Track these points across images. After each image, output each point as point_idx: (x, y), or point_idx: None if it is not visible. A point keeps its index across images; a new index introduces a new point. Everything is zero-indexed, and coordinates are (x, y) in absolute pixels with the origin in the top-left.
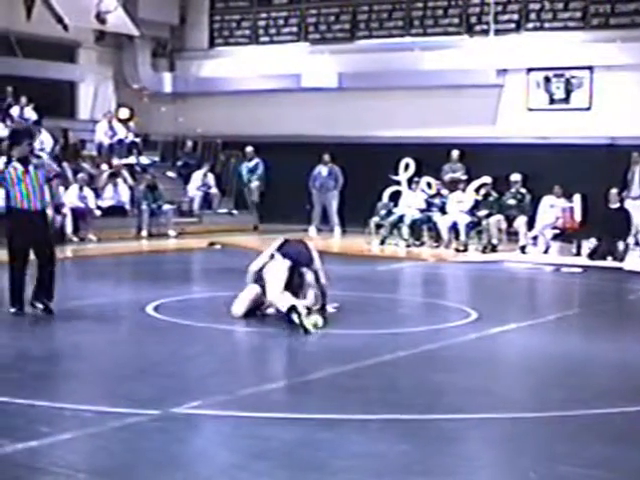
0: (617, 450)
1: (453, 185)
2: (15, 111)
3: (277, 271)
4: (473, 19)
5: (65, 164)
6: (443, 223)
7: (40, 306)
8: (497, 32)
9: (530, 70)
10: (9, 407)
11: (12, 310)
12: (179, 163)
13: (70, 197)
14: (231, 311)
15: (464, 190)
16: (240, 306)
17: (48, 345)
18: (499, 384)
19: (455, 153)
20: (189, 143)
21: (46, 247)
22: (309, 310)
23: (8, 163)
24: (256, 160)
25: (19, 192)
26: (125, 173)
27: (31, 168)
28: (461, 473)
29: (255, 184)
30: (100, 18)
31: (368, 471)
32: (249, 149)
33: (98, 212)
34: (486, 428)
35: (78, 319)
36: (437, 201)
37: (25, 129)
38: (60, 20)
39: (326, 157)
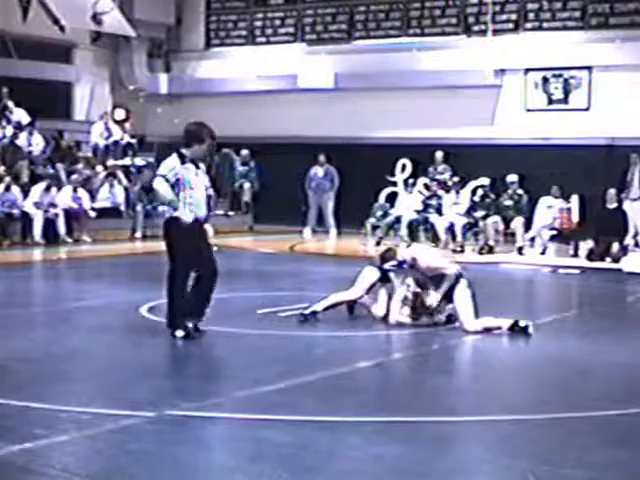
0: (618, 453)
1: (445, 187)
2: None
3: (465, 298)
4: (471, 19)
5: (59, 165)
6: (440, 224)
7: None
8: (495, 32)
9: (528, 70)
10: (5, 409)
11: (180, 334)
12: None
13: (64, 198)
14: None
15: (458, 192)
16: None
17: (43, 347)
18: (497, 386)
19: (439, 154)
20: None
21: (213, 259)
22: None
23: (182, 163)
24: (251, 164)
25: (191, 198)
26: (120, 174)
27: (201, 172)
28: (459, 476)
29: (247, 185)
30: (96, 19)
31: (365, 474)
32: (244, 152)
33: (93, 213)
34: (484, 430)
35: (73, 321)
36: (434, 202)
37: (208, 127)
38: (56, 21)
39: (322, 158)
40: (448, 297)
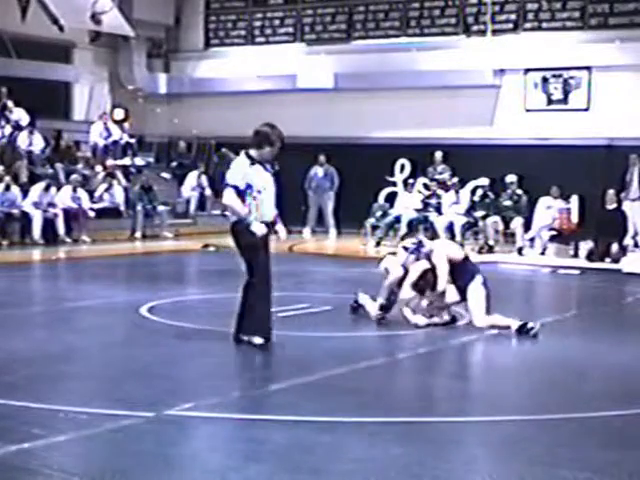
0: (617, 454)
1: (444, 186)
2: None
3: (479, 296)
4: (470, 19)
5: (58, 165)
6: (440, 224)
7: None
8: (494, 32)
9: (528, 70)
10: (3, 409)
11: (259, 342)
12: (173, 164)
13: (63, 198)
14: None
15: (457, 192)
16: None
17: (42, 347)
18: (496, 387)
19: (438, 154)
20: (182, 144)
21: (269, 266)
22: None
23: (251, 165)
24: None
25: (263, 201)
26: (119, 174)
27: (269, 174)
28: (458, 477)
29: None
30: (95, 19)
31: (364, 474)
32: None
33: (92, 213)
34: (483, 431)
35: (72, 321)
36: (433, 201)
37: (279, 129)
38: (55, 21)
39: (322, 158)
40: (462, 293)
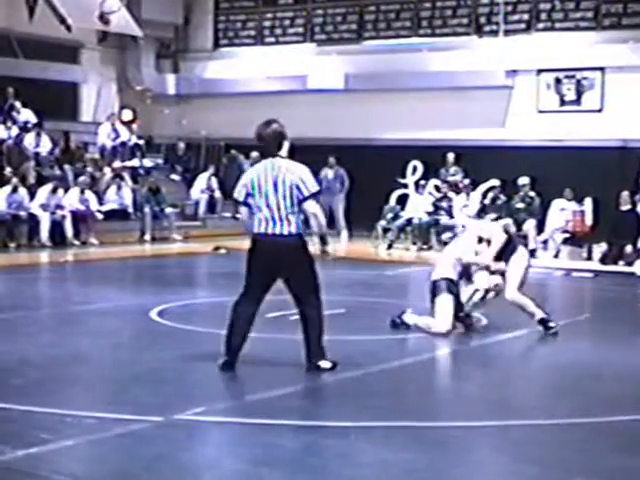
0: (630, 459)
1: (455, 188)
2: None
3: (519, 267)
4: (482, 19)
5: (67, 167)
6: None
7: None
8: (507, 32)
9: (540, 71)
10: (10, 413)
11: (327, 366)
12: (178, 168)
13: (71, 200)
14: (435, 329)
15: (469, 194)
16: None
17: (50, 351)
18: (508, 391)
19: (451, 156)
20: (181, 144)
21: None
22: None
23: None
24: None
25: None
26: (126, 176)
27: None
28: None
29: None
30: (103, 19)
31: (374, 479)
32: (254, 154)
33: (100, 215)
34: (494, 435)
35: (80, 324)
36: (444, 204)
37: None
38: (63, 21)
39: (332, 160)
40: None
